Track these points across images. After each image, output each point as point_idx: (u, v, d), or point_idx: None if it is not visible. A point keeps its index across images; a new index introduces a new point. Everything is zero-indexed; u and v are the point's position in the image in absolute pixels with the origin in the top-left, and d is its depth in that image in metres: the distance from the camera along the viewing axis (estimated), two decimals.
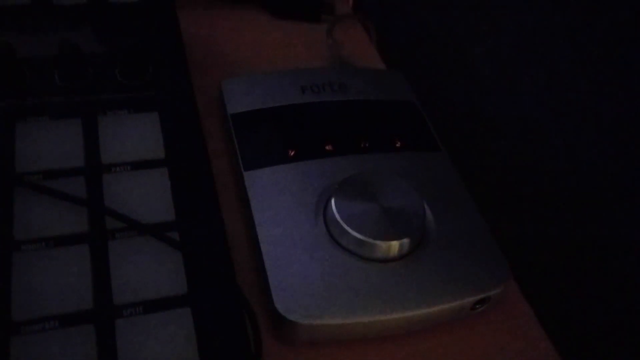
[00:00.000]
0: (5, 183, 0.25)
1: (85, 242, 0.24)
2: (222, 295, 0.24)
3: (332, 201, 0.27)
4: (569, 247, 0.40)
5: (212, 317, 0.23)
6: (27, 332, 0.22)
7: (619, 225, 0.37)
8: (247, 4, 0.44)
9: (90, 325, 0.22)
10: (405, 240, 0.27)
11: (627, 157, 0.36)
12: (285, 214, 0.28)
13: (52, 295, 0.23)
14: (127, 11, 0.33)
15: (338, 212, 0.27)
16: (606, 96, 0.37)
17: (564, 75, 0.40)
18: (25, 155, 0.26)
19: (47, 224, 0.24)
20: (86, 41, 0.31)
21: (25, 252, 0.23)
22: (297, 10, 0.44)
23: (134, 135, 0.28)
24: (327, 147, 0.30)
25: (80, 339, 0.22)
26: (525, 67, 0.43)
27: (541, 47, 0.42)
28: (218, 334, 0.23)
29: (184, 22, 0.34)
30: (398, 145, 0.32)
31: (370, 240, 0.26)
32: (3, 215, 0.24)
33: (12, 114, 0.28)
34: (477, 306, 0.27)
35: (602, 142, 0.38)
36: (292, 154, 0.30)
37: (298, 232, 0.27)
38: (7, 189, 0.25)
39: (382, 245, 0.26)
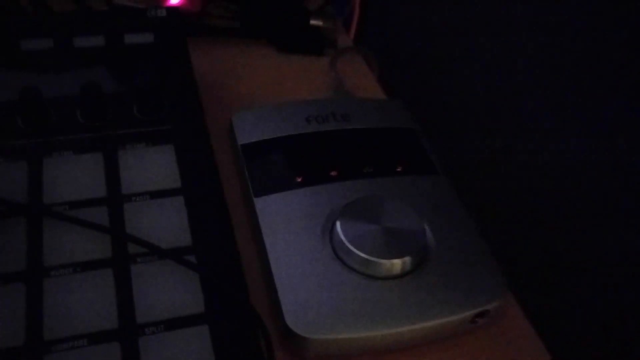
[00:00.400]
0: (34, 214, 0.27)
1: (109, 267, 0.26)
2: (236, 314, 0.25)
3: (338, 224, 0.29)
4: (566, 263, 0.42)
5: (228, 333, 0.25)
6: (58, 350, 0.23)
7: (616, 240, 0.38)
8: (254, 41, 0.46)
9: (116, 342, 0.24)
10: (407, 259, 0.29)
11: (625, 174, 0.37)
12: (294, 236, 0.29)
13: (80, 316, 0.24)
14: (142, 51, 0.36)
15: (344, 234, 0.29)
16: (605, 123, 0.39)
17: (559, 100, 0.42)
18: (52, 187, 0.28)
19: (74, 250, 0.26)
20: (105, 80, 0.33)
21: (54, 277, 0.25)
22: (301, 45, 0.46)
23: (151, 167, 0.30)
24: (332, 173, 0.32)
25: (106, 355, 0.23)
26: (524, 96, 0.45)
27: (545, 76, 0.43)
28: (234, 349, 0.24)
29: (195, 59, 0.36)
30: (399, 170, 0.34)
31: (375, 259, 0.28)
32: (33, 243, 0.26)
33: (40, 150, 0.30)
34: (477, 319, 0.29)
35: (600, 161, 0.39)
36: (300, 180, 0.32)
37: (306, 253, 0.29)
38: (37, 220, 0.27)
39: (385, 263, 0.28)
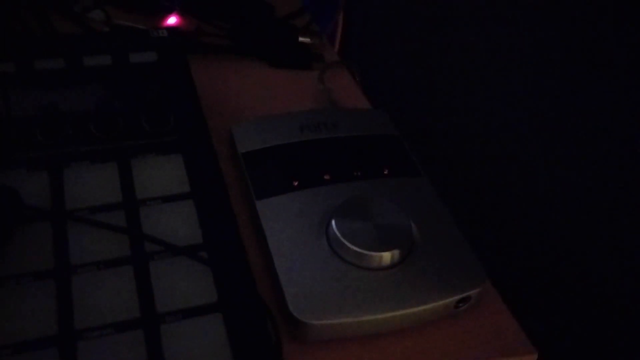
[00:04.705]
0: (59, 219, 0.30)
1: (129, 264, 0.29)
2: (246, 302, 0.28)
3: (333, 221, 0.32)
4: (543, 255, 0.45)
5: (240, 320, 0.28)
6: (89, 337, 0.26)
7: (591, 227, 0.42)
8: (248, 57, 0.49)
9: (139, 330, 0.27)
10: (396, 251, 0.32)
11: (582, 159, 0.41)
12: (293, 234, 0.32)
13: (106, 307, 0.27)
14: (146, 69, 0.39)
15: (338, 230, 0.32)
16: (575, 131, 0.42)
17: (531, 107, 0.46)
18: (73, 195, 0.31)
19: (97, 250, 0.29)
20: (113, 96, 0.36)
21: (81, 275, 0.28)
22: (291, 61, 0.49)
23: (162, 174, 0.33)
24: (325, 177, 0.36)
25: (132, 341, 0.26)
26: (496, 104, 0.49)
27: (518, 82, 0.47)
28: (245, 333, 0.27)
29: (195, 75, 0.39)
30: (385, 172, 0.37)
31: (367, 252, 0.31)
32: (60, 245, 0.29)
33: (59, 161, 0.33)
34: (460, 305, 0.32)
35: (558, 157, 0.43)
36: (296, 183, 0.35)
37: (305, 249, 0.32)
38: (61, 224, 0.30)
39: (376, 256, 0.31)
